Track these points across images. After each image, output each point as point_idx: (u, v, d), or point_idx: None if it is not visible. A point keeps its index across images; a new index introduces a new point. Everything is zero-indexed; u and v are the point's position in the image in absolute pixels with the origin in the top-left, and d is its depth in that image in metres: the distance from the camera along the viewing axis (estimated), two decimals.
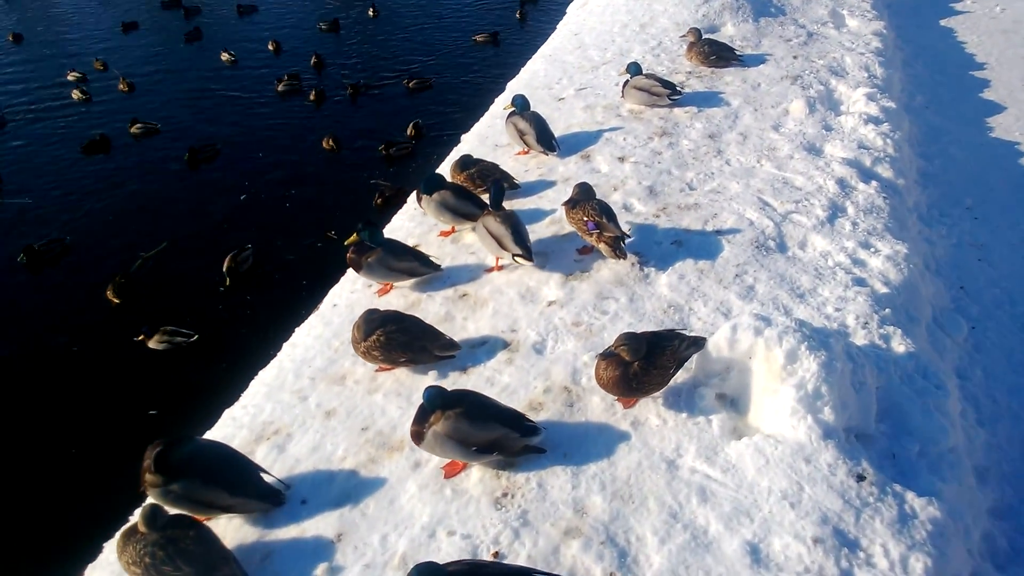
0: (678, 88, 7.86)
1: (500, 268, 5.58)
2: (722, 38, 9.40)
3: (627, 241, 5.45)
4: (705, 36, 8.97)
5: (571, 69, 9.48)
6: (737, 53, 8.79)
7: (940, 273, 6.25)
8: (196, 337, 8.67)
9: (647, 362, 3.93)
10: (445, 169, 6.78)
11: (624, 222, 5.64)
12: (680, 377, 4.23)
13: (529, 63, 10.34)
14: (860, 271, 5.14)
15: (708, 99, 7.96)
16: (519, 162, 7.20)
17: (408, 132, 13.35)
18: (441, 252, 5.91)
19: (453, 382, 4.56)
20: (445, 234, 6.20)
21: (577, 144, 7.36)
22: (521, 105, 7.15)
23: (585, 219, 5.31)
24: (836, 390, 3.75)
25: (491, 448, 3.82)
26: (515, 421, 3.90)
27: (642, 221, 5.90)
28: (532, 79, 9.52)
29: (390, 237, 5.72)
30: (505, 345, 4.81)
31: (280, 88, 15.74)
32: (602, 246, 5.31)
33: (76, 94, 16.32)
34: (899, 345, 4.47)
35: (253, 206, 11.67)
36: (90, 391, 8.19)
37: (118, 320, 9.17)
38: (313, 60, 17.06)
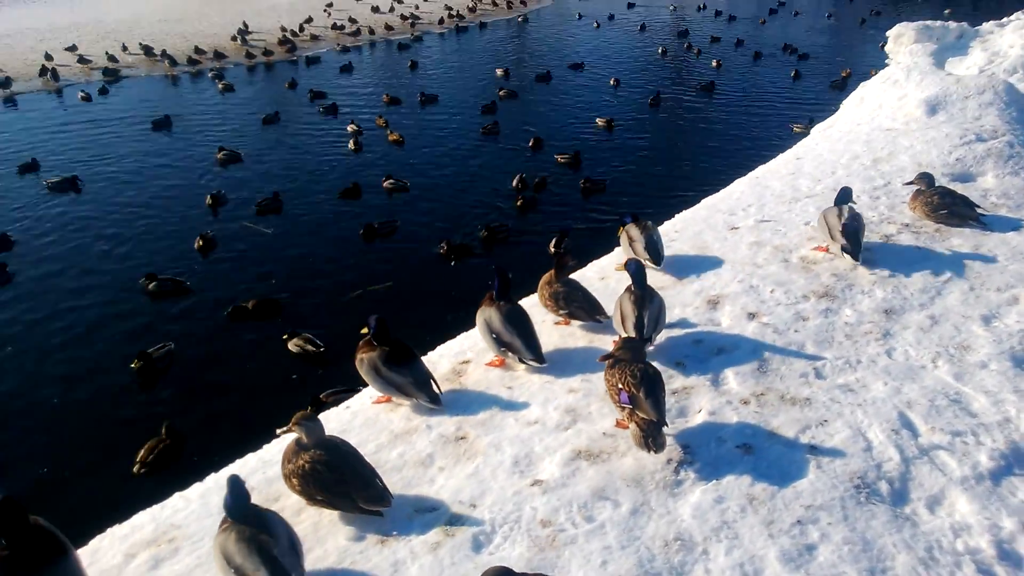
0: (856, 250, 6.15)
1: (501, 363, 5.13)
2: (974, 191, 7.38)
3: (668, 429, 4.09)
4: (940, 185, 7.05)
5: (769, 196, 8.05)
6: (979, 212, 6.76)
7: None
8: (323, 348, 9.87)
9: None
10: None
11: (694, 399, 4.27)
12: None
13: (735, 183, 9.06)
14: (1006, 573, 3.28)
15: (911, 262, 6.14)
16: (622, 278, 6.02)
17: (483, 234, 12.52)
18: (479, 377, 4.99)
19: (362, 550, 3.60)
20: (492, 364, 5.26)
21: (713, 283, 6.02)
22: (631, 219, 6.66)
23: (620, 386, 4.06)
24: None
25: None
26: None
27: (720, 403, 4.46)
28: (720, 200, 8.26)
29: (405, 341, 4.89)
30: (451, 522, 3.74)
31: (517, 197, 15.88)
32: (632, 428, 4.01)
33: (351, 144, 17.96)
34: None
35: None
36: None
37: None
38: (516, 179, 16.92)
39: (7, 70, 24.33)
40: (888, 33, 12.47)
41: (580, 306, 5.53)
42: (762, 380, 4.69)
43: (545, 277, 5.72)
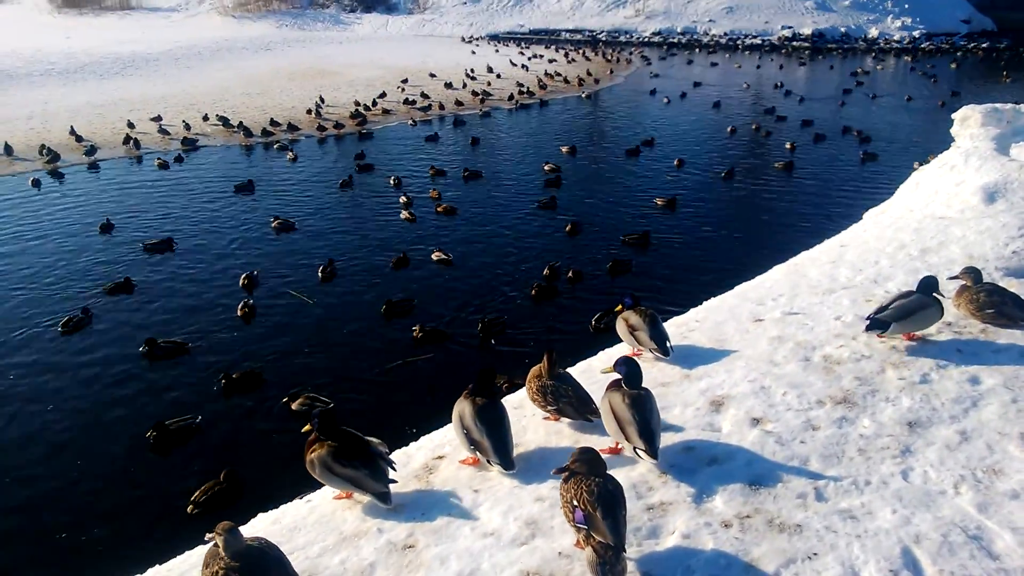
0: None
1: (475, 462, 4.80)
2: None
3: (628, 553, 3.62)
4: (989, 282, 6.41)
5: (803, 286, 7.53)
6: None
7: None
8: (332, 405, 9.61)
9: None
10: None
11: (671, 517, 3.80)
12: None
13: (773, 269, 8.57)
14: None
15: (948, 366, 5.52)
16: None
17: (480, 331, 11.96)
18: (448, 476, 4.64)
19: None
20: (465, 463, 4.90)
21: (722, 381, 5.54)
22: (631, 303, 6.25)
23: (575, 503, 3.64)
24: None
25: None
26: None
27: (698, 525, 3.96)
28: (752, 288, 7.80)
29: (356, 432, 4.58)
30: None
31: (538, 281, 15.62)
32: (588, 552, 3.57)
33: (404, 215, 18.19)
34: None
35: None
36: None
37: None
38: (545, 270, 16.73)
39: (95, 138, 25.90)
40: (954, 116, 11.84)
41: (569, 402, 5.13)
42: (752, 499, 4.17)
43: (535, 369, 5.36)
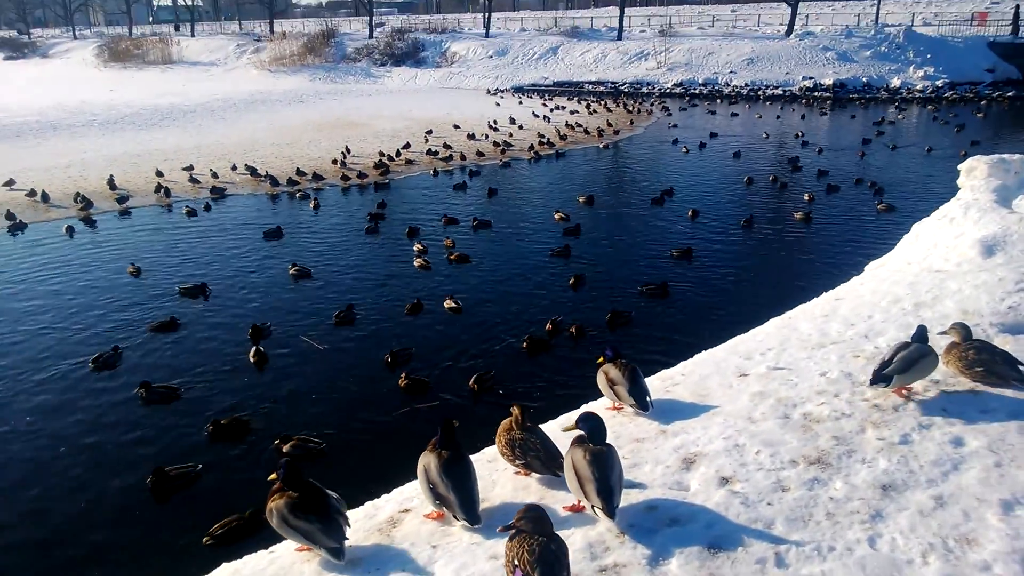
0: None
1: (440, 516, 4.79)
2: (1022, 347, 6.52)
3: None
4: (979, 339, 6.26)
5: (793, 340, 7.43)
6: (1023, 371, 5.92)
7: None
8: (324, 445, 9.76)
9: None
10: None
11: None
12: None
13: (767, 323, 8.47)
14: None
15: (931, 427, 5.39)
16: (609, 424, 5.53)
17: (472, 386, 11.71)
18: (411, 531, 4.59)
19: None
20: (430, 517, 4.85)
21: (697, 438, 5.45)
22: (612, 355, 6.15)
23: (515, 562, 3.58)
24: None
25: None
26: None
27: None
28: (743, 342, 7.74)
29: (319, 485, 4.56)
30: None
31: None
32: None
33: (418, 262, 18.36)
34: None
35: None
36: None
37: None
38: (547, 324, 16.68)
39: (129, 187, 26.73)
40: (960, 167, 11.72)
41: (537, 456, 5.08)
42: (708, 563, 4.06)
43: (505, 423, 5.33)
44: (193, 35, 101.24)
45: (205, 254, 19.57)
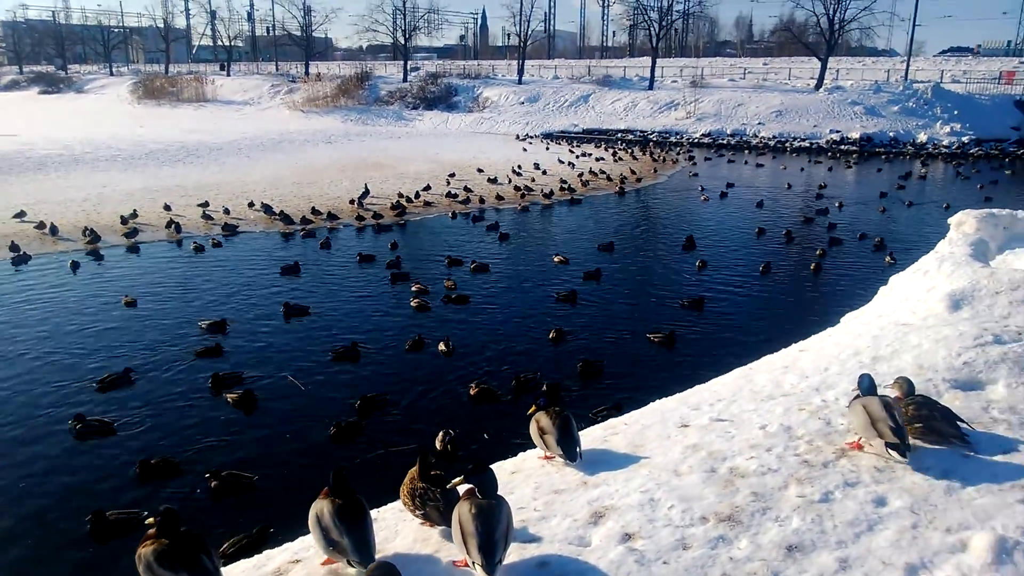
0: (906, 446, 5.37)
1: (329, 562, 4.67)
2: (977, 402, 6.29)
3: None
4: (920, 394, 6.04)
5: (746, 391, 7.26)
6: (963, 429, 5.67)
7: None
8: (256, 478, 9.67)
9: None
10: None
11: None
12: None
13: (728, 374, 8.29)
14: None
15: (857, 484, 5.18)
16: (530, 476, 5.41)
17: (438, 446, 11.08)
18: None
19: None
20: (324, 564, 4.75)
21: (615, 491, 5.30)
22: (545, 403, 6.06)
23: None
24: None
25: None
26: None
27: None
28: (696, 392, 7.53)
29: (198, 536, 4.47)
30: None
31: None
32: None
33: (415, 302, 18.42)
34: None
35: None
36: None
37: None
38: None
39: (141, 221, 27.21)
40: (950, 221, 11.49)
41: (436, 507, 4.96)
42: None
43: (411, 471, 5.22)
44: (229, 74, 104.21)
45: (217, 288, 19.75)
